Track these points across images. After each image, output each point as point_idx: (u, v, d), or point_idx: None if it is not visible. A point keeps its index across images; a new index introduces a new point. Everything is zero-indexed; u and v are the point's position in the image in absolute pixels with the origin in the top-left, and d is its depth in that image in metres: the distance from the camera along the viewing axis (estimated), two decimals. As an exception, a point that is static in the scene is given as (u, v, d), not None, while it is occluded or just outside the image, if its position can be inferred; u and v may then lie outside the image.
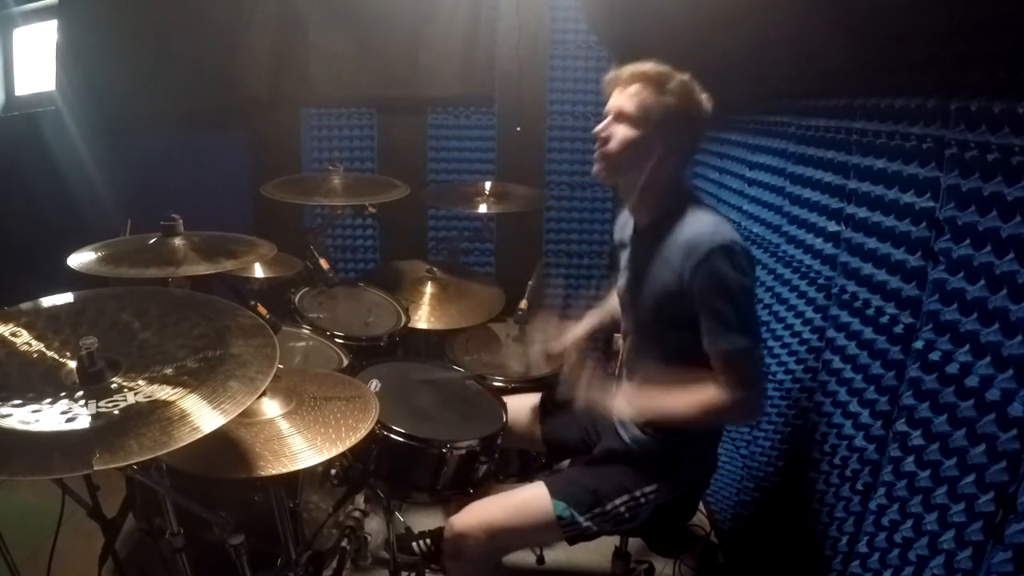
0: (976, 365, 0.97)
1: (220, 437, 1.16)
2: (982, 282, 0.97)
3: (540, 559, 1.98)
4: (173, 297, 1.24)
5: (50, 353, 0.99)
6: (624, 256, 1.55)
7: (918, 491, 1.09)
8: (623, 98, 1.34)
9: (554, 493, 1.41)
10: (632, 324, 1.52)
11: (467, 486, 1.52)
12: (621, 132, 1.34)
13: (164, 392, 0.92)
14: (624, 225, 1.57)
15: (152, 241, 1.56)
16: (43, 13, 2.93)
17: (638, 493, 1.41)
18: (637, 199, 1.42)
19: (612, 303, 1.72)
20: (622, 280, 1.54)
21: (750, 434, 1.93)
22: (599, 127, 1.38)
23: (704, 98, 1.33)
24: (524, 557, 1.96)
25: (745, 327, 1.25)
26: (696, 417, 1.29)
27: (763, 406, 1.37)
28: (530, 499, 1.42)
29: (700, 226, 1.30)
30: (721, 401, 1.26)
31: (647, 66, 1.33)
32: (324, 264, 2.07)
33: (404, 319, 2.11)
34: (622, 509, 1.41)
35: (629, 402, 1.37)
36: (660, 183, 1.37)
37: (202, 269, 1.45)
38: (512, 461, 1.90)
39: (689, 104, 1.31)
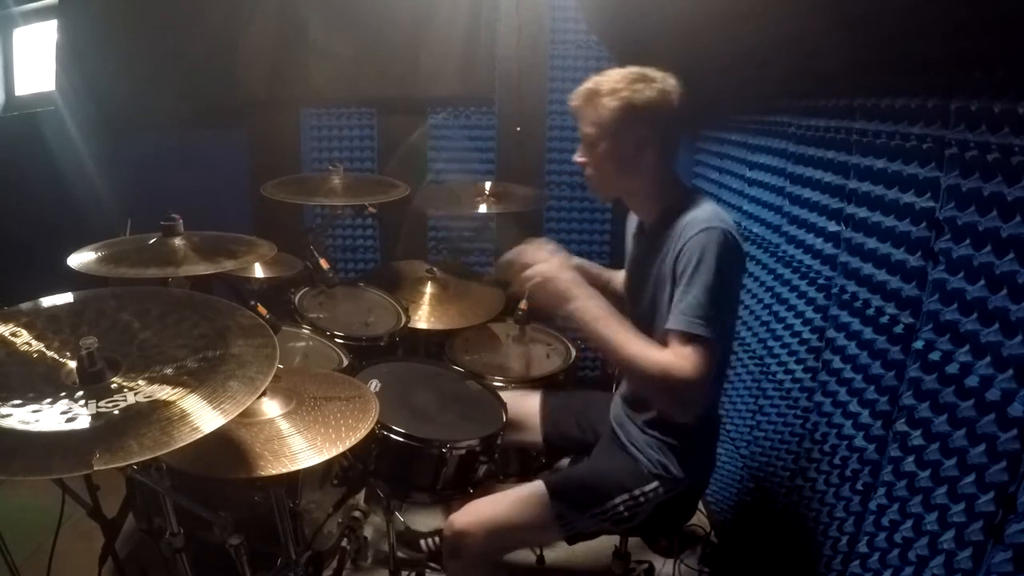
0: (976, 365, 0.97)
1: (220, 437, 1.15)
2: (982, 282, 0.97)
3: (540, 559, 1.98)
4: (173, 297, 1.24)
5: (50, 353, 0.99)
6: (629, 253, 1.55)
7: (918, 491, 1.09)
8: (583, 123, 1.36)
9: (552, 491, 1.41)
10: (634, 322, 1.52)
11: (467, 486, 1.52)
12: (593, 156, 1.37)
13: (164, 392, 0.92)
14: (633, 220, 1.57)
15: (152, 241, 1.56)
16: (43, 13, 2.92)
17: (637, 492, 1.41)
18: (636, 201, 1.46)
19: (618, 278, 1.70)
20: (626, 279, 1.54)
21: (750, 434, 1.93)
22: (576, 156, 1.41)
23: (661, 84, 1.30)
24: (524, 557, 1.96)
25: (711, 317, 1.19)
26: (639, 372, 1.22)
27: (700, 403, 1.26)
28: (529, 497, 1.42)
29: (701, 211, 1.30)
30: (672, 370, 1.17)
31: (591, 82, 1.34)
32: (324, 264, 2.07)
33: (404, 319, 2.11)
34: (621, 508, 1.40)
35: (584, 304, 1.28)
36: (650, 179, 1.38)
37: (202, 269, 1.45)
38: (512, 461, 1.90)
39: (643, 98, 1.29)
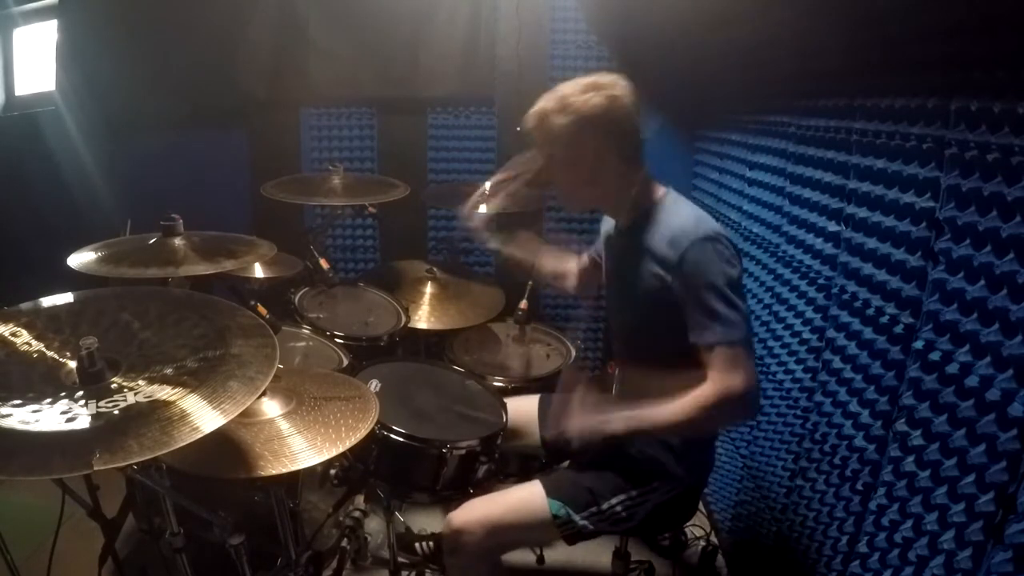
0: (976, 365, 0.97)
1: (220, 437, 1.16)
2: (982, 282, 0.97)
3: (540, 559, 1.98)
4: (173, 297, 1.24)
5: (50, 353, 0.99)
6: (604, 255, 1.57)
7: (918, 491, 1.09)
8: (540, 145, 1.37)
9: (550, 492, 1.41)
10: (619, 325, 1.52)
11: (467, 486, 1.52)
12: (556, 173, 1.38)
13: (164, 392, 0.92)
14: (607, 223, 1.58)
15: (152, 241, 1.56)
16: (43, 13, 2.93)
17: (635, 493, 1.41)
18: (609, 207, 1.47)
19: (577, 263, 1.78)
20: (605, 283, 1.55)
21: (750, 434, 1.93)
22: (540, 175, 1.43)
23: (609, 91, 1.29)
24: (524, 557, 1.96)
25: (733, 318, 1.21)
26: (690, 421, 1.24)
27: (757, 400, 1.29)
28: (527, 498, 1.43)
29: (682, 219, 1.30)
30: (713, 397, 1.21)
31: (538, 103, 1.34)
32: (324, 264, 2.07)
33: (404, 319, 2.11)
34: (619, 509, 1.40)
35: (620, 421, 1.29)
36: (617, 184, 1.37)
37: (202, 269, 1.45)
38: (512, 461, 1.90)
39: (591, 107, 1.28)
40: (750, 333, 1.26)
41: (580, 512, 1.39)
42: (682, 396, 1.24)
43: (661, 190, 1.39)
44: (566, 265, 1.79)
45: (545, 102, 1.33)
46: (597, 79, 1.31)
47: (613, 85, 1.30)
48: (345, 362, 1.86)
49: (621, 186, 1.38)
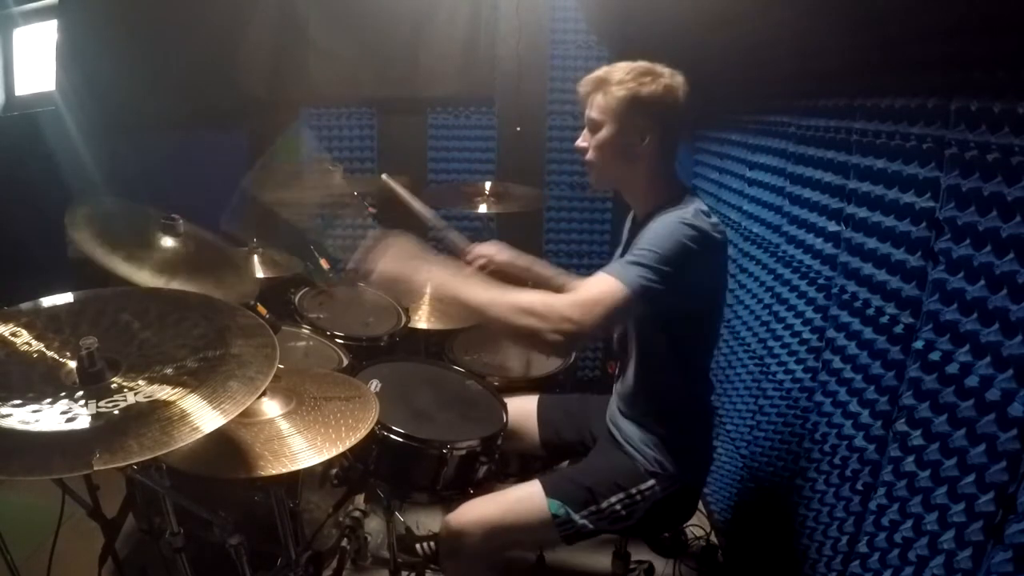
0: (976, 365, 0.97)
1: (220, 437, 1.16)
2: (982, 282, 0.97)
3: (540, 559, 1.98)
4: (173, 297, 1.24)
5: (50, 353, 0.99)
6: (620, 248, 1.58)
7: (918, 491, 1.09)
8: (589, 109, 1.39)
9: (549, 491, 1.41)
10: None
11: (467, 486, 1.52)
12: (594, 138, 1.39)
13: (164, 392, 0.92)
14: (626, 223, 1.60)
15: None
16: (43, 13, 2.93)
17: (634, 490, 1.41)
18: (633, 193, 1.48)
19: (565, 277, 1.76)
20: None
21: (750, 434, 1.93)
22: (579, 141, 1.43)
23: (667, 80, 1.33)
24: (524, 557, 1.96)
25: (645, 274, 1.21)
26: (495, 317, 1.25)
27: (571, 349, 1.30)
28: (525, 497, 1.42)
29: (685, 208, 1.33)
30: (542, 313, 1.19)
31: (602, 70, 1.37)
32: (324, 264, 2.07)
33: (404, 319, 2.12)
34: (618, 507, 1.41)
35: (429, 273, 1.33)
36: (646, 171, 1.39)
37: (188, 287, 1.45)
38: (512, 461, 1.90)
39: (648, 91, 1.32)
40: (641, 304, 1.22)
41: (579, 511, 1.39)
42: (513, 291, 1.26)
43: (683, 191, 1.41)
44: None
45: (605, 72, 1.37)
46: (657, 67, 1.35)
47: (671, 76, 1.35)
48: (345, 362, 1.86)
49: (651, 175, 1.40)
